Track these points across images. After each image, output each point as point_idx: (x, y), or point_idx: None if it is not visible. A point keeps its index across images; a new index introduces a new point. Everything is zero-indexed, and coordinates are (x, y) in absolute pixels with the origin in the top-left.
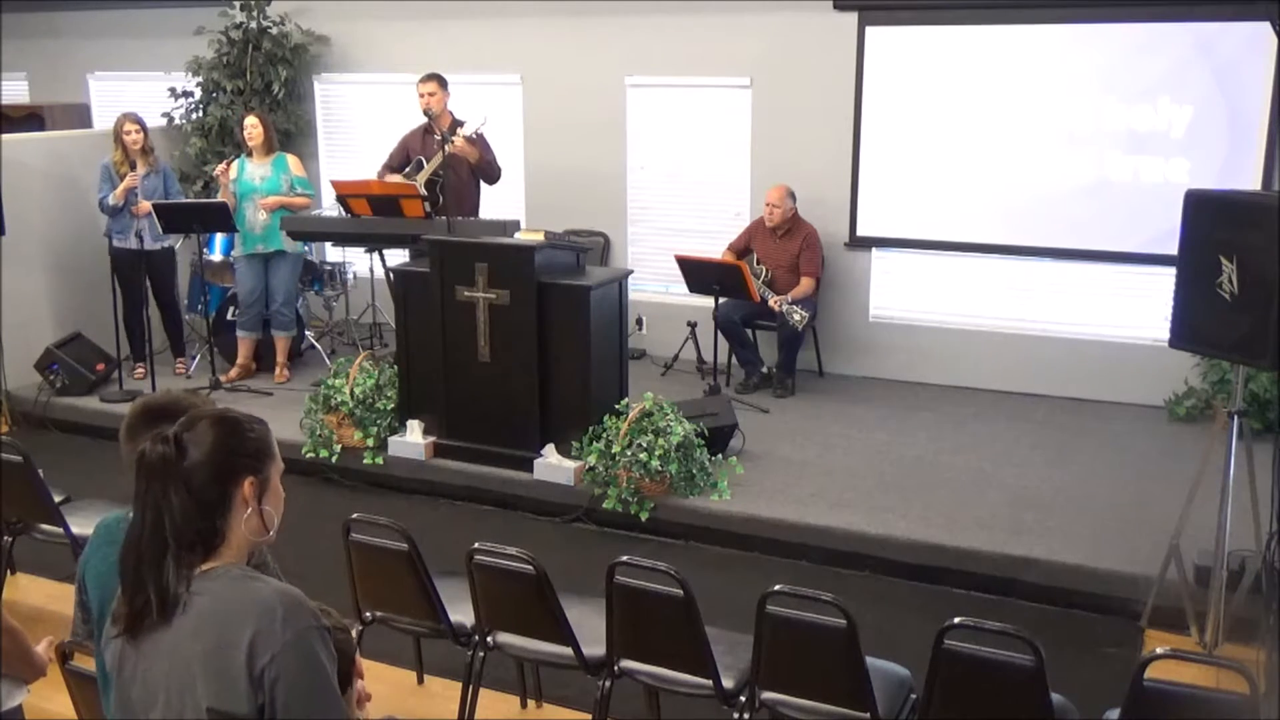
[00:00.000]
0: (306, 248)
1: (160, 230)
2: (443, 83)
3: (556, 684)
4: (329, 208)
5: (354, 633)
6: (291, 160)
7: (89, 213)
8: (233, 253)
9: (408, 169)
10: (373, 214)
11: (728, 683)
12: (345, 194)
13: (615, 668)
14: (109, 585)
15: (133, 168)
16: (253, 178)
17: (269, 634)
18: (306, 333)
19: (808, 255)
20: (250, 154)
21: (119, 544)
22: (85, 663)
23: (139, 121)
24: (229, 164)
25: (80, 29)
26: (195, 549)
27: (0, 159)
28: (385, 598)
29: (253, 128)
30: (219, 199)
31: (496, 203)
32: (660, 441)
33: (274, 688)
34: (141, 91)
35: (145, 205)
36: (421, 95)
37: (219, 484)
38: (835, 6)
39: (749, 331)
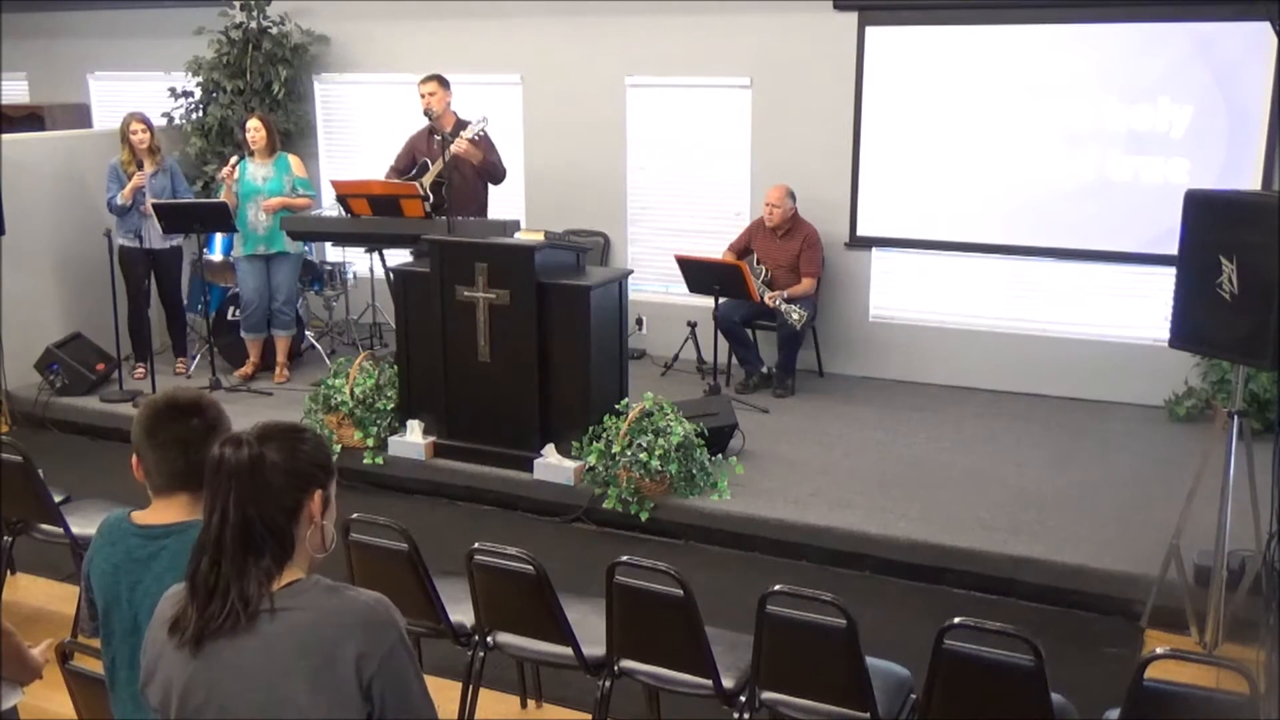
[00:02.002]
0: (307, 247)
1: (160, 230)
2: (443, 83)
3: (556, 684)
4: (329, 208)
5: None
6: (294, 161)
7: (89, 213)
8: (233, 253)
9: (413, 172)
10: (373, 214)
11: (728, 683)
12: (345, 194)
13: (615, 668)
14: (112, 586)
15: (140, 167)
16: (255, 178)
17: (375, 643)
18: (306, 333)
19: (808, 255)
20: (252, 155)
21: (120, 543)
22: (85, 663)
23: (145, 121)
24: (233, 165)
25: (80, 29)
26: (271, 558)
27: (0, 159)
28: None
29: (255, 130)
30: (219, 199)
31: (497, 203)
32: (660, 441)
33: (384, 694)
34: (141, 91)
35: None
36: (422, 96)
37: (295, 492)
38: (835, 6)
39: (749, 331)
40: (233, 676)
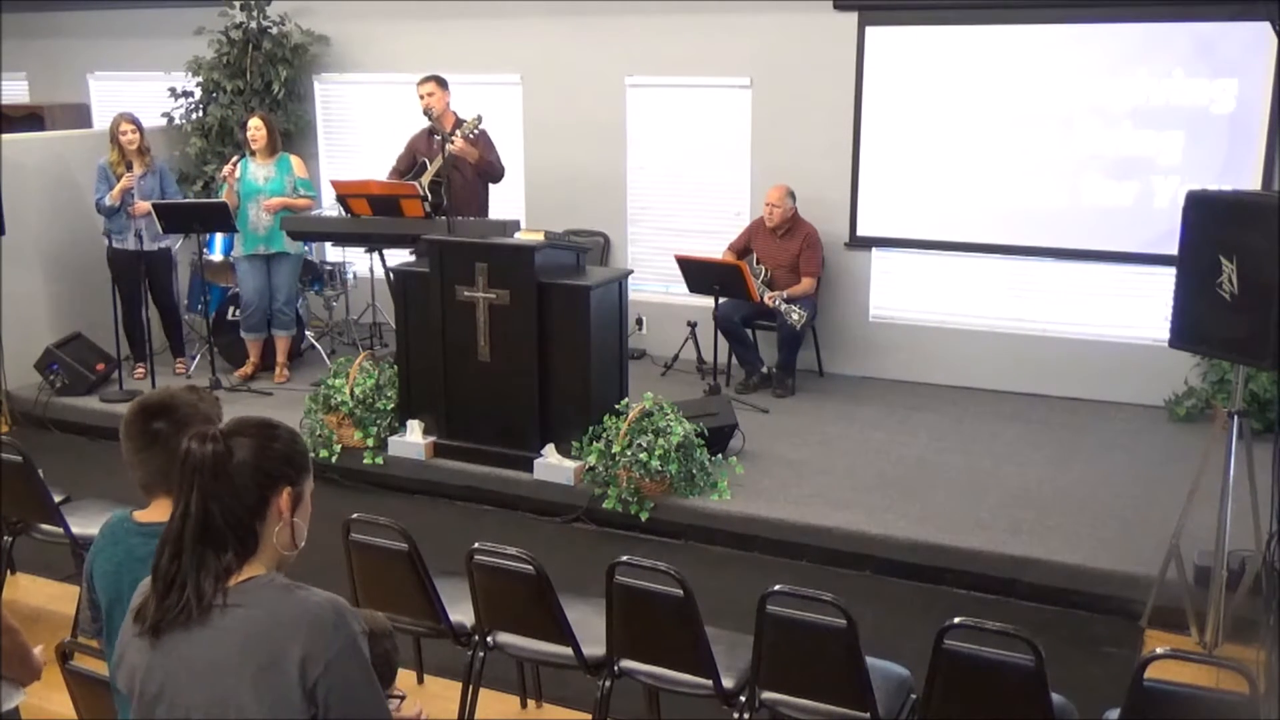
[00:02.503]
0: (307, 247)
1: (160, 230)
2: (442, 83)
3: (556, 684)
4: (329, 208)
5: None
6: (295, 161)
7: (89, 213)
8: (233, 253)
9: (413, 172)
10: (373, 214)
11: (728, 683)
12: (345, 194)
13: (615, 668)
14: (115, 584)
15: (129, 168)
16: (256, 178)
17: (321, 644)
18: (306, 333)
19: (808, 255)
20: (253, 155)
21: (122, 542)
22: (85, 663)
23: (135, 121)
24: (235, 164)
25: (80, 29)
26: (233, 553)
27: (0, 159)
28: (385, 598)
29: (256, 130)
30: (219, 199)
31: (497, 203)
32: (660, 441)
33: (328, 698)
34: (141, 91)
35: (143, 206)
36: (421, 96)
37: (260, 489)
38: (835, 6)
39: (749, 331)
40: (183, 668)
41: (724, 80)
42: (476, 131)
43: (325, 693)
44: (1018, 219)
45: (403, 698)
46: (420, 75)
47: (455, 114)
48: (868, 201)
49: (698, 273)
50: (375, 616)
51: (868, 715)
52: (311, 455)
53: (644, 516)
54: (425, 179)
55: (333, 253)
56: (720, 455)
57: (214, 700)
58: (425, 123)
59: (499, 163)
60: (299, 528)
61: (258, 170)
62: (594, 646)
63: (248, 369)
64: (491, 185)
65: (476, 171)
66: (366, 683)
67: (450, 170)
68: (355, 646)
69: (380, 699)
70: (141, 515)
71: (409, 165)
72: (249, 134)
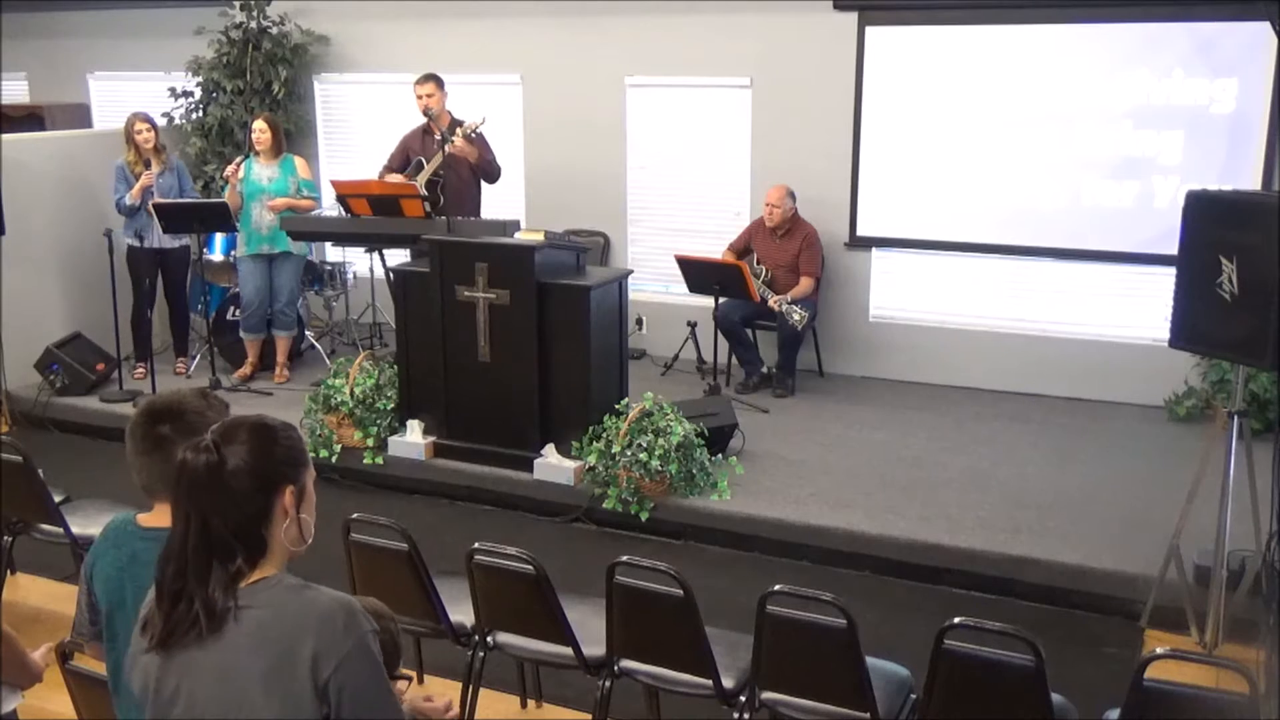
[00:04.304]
0: (309, 248)
1: (161, 230)
2: (440, 83)
3: (556, 684)
4: (329, 208)
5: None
6: (299, 163)
7: (89, 213)
8: (235, 253)
9: (408, 170)
10: (373, 214)
11: (728, 683)
12: (345, 194)
13: (615, 668)
14: (117, 588)
15: (147, 166)
16: (260, 178)
17: (332, 644)
18: (306, 333)
19: (808, 255)
20: (257, 155)
21: (125, 546)
22: (85, 663)
23: (149, 120)
24: (238, 164)
25: (80, 29)
26: (241, 560)
27: (0, 159)
28: (385, 598)
29: (261, 131)
30: (219, 199)
31: (496, 203)
32: (660, 441)
33: (339, 696)
34: (141, 91)
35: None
36: (419, 96)
37: (262, 493)
38: (835, 6)
39: (749, 331)
40: (196, 672)
41: (724, 80)
42: (477, 133)
43: (337, 691)
44: (1018, 219)
45: (410, 679)
46: (419, 75)
47: (450, 114)
48: (868, 201)
49: (698, 273)
50: (372, 601)
51: (868, 715)
52: (311, 454)
53: (644, 516)
54: (422, 178)
55: (333, 253)
56: (720, 455)
57: (227, 701)
58: (421, 121)
59: (496, 162)
60: (306, 523)
61: (262, 170)
62: (594, 646)
63: (246, 370)
64: (487, 185)
65: (473, 171)
66: (378, 681)
67: (447, 169)
68: (366, 646)
69: (392, 697)
70: (145, 519)
71: (403, 163)
72: (254, 135)
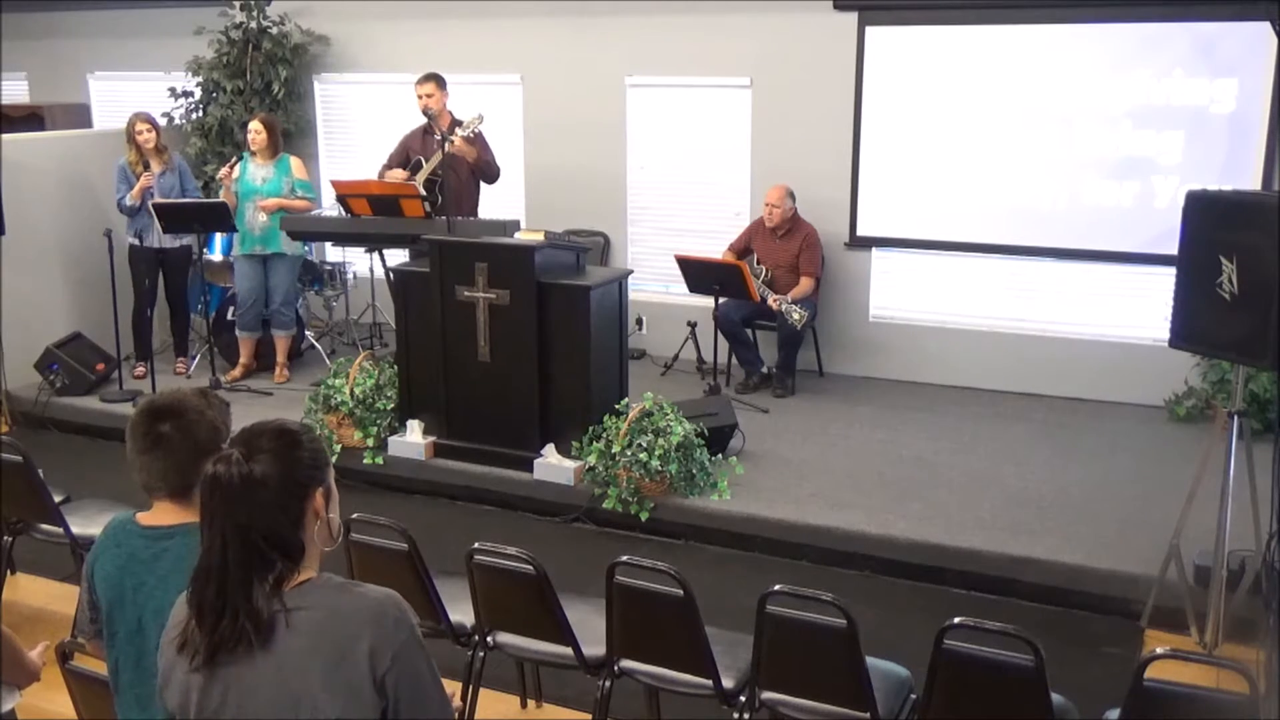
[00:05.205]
0: (308, 248)
1: (161, 230)
2: (440, 83)
3: (556, 684)
4: (329, 208)
5: None
6: (295, 163)
7: (89, 213)
8: (231, 253)
9: (407, 169)
10: (373, 214)
11: (728, 683)
12: (345, 194)
13: (615, 668)
14: (117, 587)
15: (147, 167)
16: (254, 178)
17: (386, 638)
18: (306, 333)
19: (807, 255)
20: (254, 155)
21: (124, 545)
22: (85, 663)
23: (150, 120)
24: (232, 165)
25: (80, 29)
26: (283, 566)
27: (0, 159)
28: None
29: (256, 132)
30: (219, 199)
31: (496, 203)
32: (660, 441)
33: (397, 689)
34: (141, 91)
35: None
36: (419, 96)
37: (296, 499)
38: (835, 6)
39: (749, 331)
40: (249, 677)
41: (724, 80)
42: (476, 130)
43: (394, 684)
44: (1018, 219)
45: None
46: (420, 75)
47: (451, 114)
48: (868, 201)
49: (698, 273)
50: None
51: (868, 715)
52: (333, 467)
53: (644, 516)
54: (421, 177)
55: (333, 253)
56: (720, 455)
57: (287, 702)
58: (422, 121)
59: (495, 162)
60: (334, 522)
61: (256, 171)
62: (594, 646)
63: (237, 372)
64: (486, 185)
65: (472, 171)
66: (431, 672)
67: (446, 169)
68: (417, 638)
69: (441, 688)
70: (145, 518)
71: (403, 163)
72: (249, 135)
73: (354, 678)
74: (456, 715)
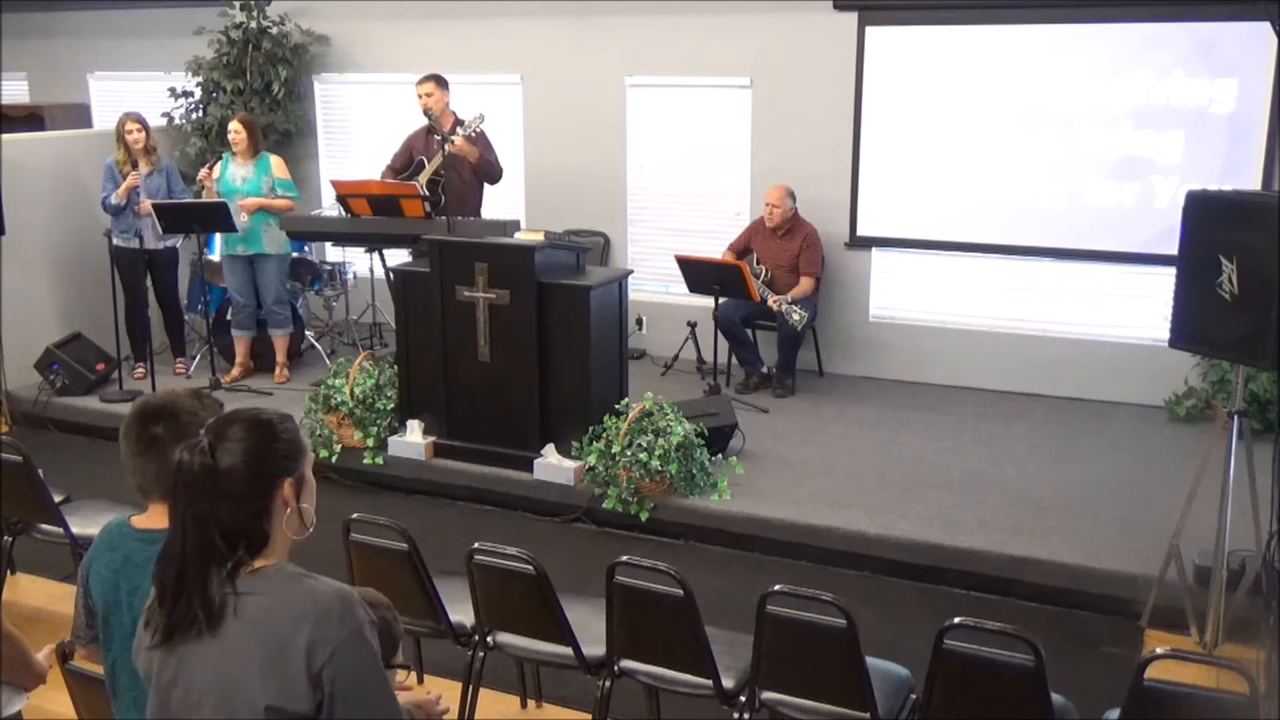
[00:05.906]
0: (306, 248)
1: (160, 230)
2: (441, 83)
3: (556, 684)
4: (329, 208)
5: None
6: (275, 162)
7: (89, 212)
8: (216, 253)
9: (410, 170)
10: (373, 214)
11: (728, 683)
12: (345, 194)
13: (615, 668)
14: (113, 590)
15: (135, 167)
16: (234, 178)
17: (327, 632)
18: (306, 333)
19: (808, 255)
20: (235, 155)
21: (120, 548)
22: (85, 663)
23: (140, 120)
24: (211, 166)
25: (80, 29)
26: (242, 555)
27: (0, 159)
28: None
29: (235, 133)
30: (219, 199)
31: (496, 203)
32: (660, 441)
33: (333, 685)
34: (141, 91)
35: (148, 204)
36: (420, 96)
37: (260, 489)
38: (835, 6)
39: (749, 331)
40: (196, 663)
41: (724, 80)
42: (477, 130)
43: (331, 679)
44: (1018, 219)
45: (409, 668)
46: (420, 75)
47: (454, 114)
48: (868, 201)
49: (698, 273)
50: (369, 591)
51: (868, 715)
52: (311, 454)
53: (644, 516)
54: (423, 178)
55: (333, 253)
56: (720, 455)
57: (225, 687)
58: (424, 121)
59: (497, 163)
60: (306, 511)
61: (236, 170)
62: (594, 646)
63: (235, 372)
64: (488, 185)
65: (474, 171)
66: (373, 672)
67: (448, 169)
68: (362, 636)
69: (387, 689)
70: (139, 521)
71: (406, 163)
72: (230, 135)
73: (290, 667)
74: (456, 717)
